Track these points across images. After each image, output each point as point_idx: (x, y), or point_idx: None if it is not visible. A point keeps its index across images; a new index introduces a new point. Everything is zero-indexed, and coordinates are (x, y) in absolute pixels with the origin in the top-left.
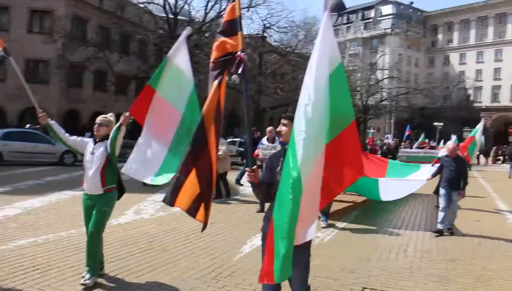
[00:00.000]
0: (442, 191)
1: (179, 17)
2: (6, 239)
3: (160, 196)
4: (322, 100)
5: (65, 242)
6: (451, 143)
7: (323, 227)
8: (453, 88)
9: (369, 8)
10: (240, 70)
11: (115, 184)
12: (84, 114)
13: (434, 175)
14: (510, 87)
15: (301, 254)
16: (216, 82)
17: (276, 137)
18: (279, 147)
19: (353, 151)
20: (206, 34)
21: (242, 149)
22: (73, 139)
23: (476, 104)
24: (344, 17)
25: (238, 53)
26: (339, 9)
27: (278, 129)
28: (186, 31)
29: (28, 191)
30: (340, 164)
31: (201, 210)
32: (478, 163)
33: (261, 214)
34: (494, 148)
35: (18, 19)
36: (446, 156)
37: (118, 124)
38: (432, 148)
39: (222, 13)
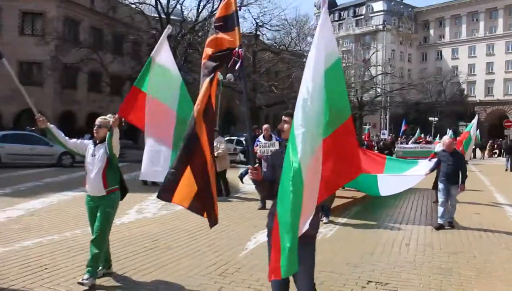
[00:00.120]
0: (440, 186)
1: (171, 17)
2: (11, 240)
3: None
4: (318, 96)
5: (71, 242)
6: (447, 138)
7: (325, 223)
8: (446, 83)
9: (360, 5)
10: (237, 66)
11: (117, 184)
12: (80, 116)
13: (432, 170)
14: (503, 81)
15: (307, 249)
16: (207, 79)
17: (273, 135)
18: (276, 144)
19: (350, 146)
20: (199, 34)
21: (242, 147)
22: (73, 142)
23: (470, 99)
24: (335, 14)
25: (236, 49)
26: (330, 6)
27: (279, 126)
28: (167, 30)
29: (28, 192)
30: (338, 159)
31: (205, 208)
32: (474, 157)
33: (262, 211)
34: (490, 141)
35: (10, 22)
36: (443, 150)
37: (108, 126)
38: (428, 142)
39: (215, 12)
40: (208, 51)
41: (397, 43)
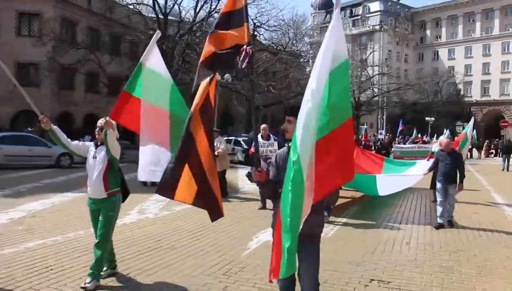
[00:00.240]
0: (438, 185)
1: (169, 17)
2: (15, 241)
3: (161, 196)
4: (320, 95)
5: (75, 243)
6: (443, 138)
7: (325, 222)
8: (443, 83)
9: (357, 5)
10: (244, 64)
11: (118, 187)
12: (77, 117)
13: (430, 169)
14: (499, 82)
15: (311, 249)
16: (208, 79)
17: (271, 135)
18: (275, 144)
19: (347, 146)
20: (197, 34)
21: (247, 147)
22: (75, 144)
23: (466, 99)
24: (332, 15)
25: (244, 46)
26: (326, 6)
27: (283, 126)
28: (156, 35)
29: (29, 194)
30: (332, 160)
31: (208, 203)
32: (471, 157)
33: (263, 210)
34: (487, 141)
35: (6, 22)
36: (441, 150)
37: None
38: (424, 142)
39: (212, 12)
40: (210, 48)
41: (394, 44)
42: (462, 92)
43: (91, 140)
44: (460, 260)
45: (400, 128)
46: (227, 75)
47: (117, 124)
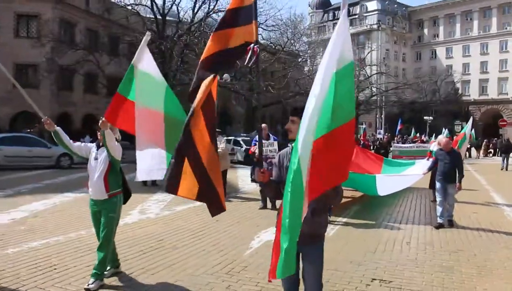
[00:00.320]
0: (438, 185)
1: (167, 18)
2: (18, 241)
3: (162, 196)
4: (323, 95)
5: (77, 242)
6: (442, 137)
7: None
8: (441, 82)
9: (354, 4)
10: (251, 63)
11: (119, 188)
12: (76, 117)
13: (429, 169)
14: (497, 81)
15: (315, 249)
16: (210, 77)
17: (270, 134)
18: (274, 144)
19: (345, 149)
20: (196, 34)
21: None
22: (77, 146)
23: (464, 98)
24: (329, 14)
25: (252, 45)
26: (324, 5)
27: (286, 126)
28: (146, 37)
29: (30, 194)
30: (329, 160)
31: (210, 198)
32: (469, 156)
33: (263, 210)
34: (485, 140)
35: (5, 24)
36: (440, 149)
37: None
38: (423, 142)
39: (210, 13)
40: (214, 47)
41: (392, 43)
42: (460, 91)
43: (91, 141)
44: (460, 260)
45: (398, 127)
46: (226, 75)
47: None
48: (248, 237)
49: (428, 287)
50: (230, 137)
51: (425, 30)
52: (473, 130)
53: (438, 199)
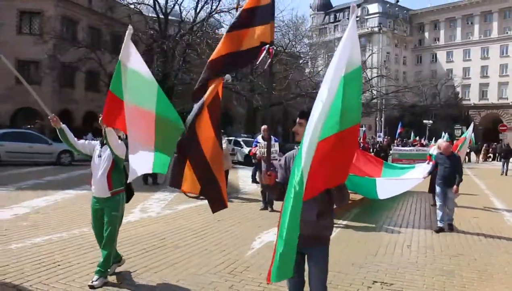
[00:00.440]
0: (437, 189)
1: (169, 17)
2: (21, 237)
3: (163, 195)
4: (331, 99)
5: (80, 239)
6: (442, 141)
7: None
8: (441, 86)
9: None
10: (266, 65)
11: (122, 186)
12: (77, 115)
13: (429, 173)
14: (498, 85)
15: (321, 251)
16: (219, 78)
17: (272, 136)
18: (276, 145)
19: (347, 153)
20: (198, 34)
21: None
22: (82, 143)
23: (464, 102)
24: (331, 16)
25: (267, 46)
26: (325, 8)
27: (294, 129)
28: (129, 32)
29: (31, 190)
30: (330, 162)
31: (212, 194)
32: (469, 161)
33: (264, 211)
34: (485, 145)
35: (8, 20)
36: (441, 153)
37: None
38: (423, 145)
39: (213, 13)
40: (226, 48)
41: (392, 46)
42: (460, 95)
43: (93, 137)
44: (460, 264)
45: (399, 130)
46: (227, 76)
47: None
48: (249, 237)
49: (429, 290)
50: (230, 138)
51: (426, 34)
52: (472, 135)
53: (438, 203)
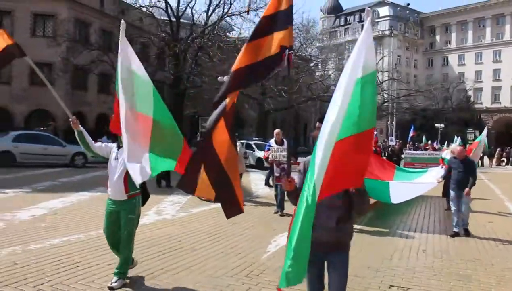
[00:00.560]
0: (452, 194)
1: (181, 20)
2: (40, 238)
3: (176, 197)
4: (347, 100)
5: (97, 241)
6: (455, 146)
7: None
8: (453, 90)
9: None
10: (286, 70)
11: (138, 189)
12: (90, 117)
13: (443, 177)
14: (510, 88)
15: (339, 258)
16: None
17: (284, 140)
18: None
19: (362, 155)
20: (209, 37)
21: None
22: (99, 146)
23: (476, 106)
24: (341, 19)
25: (287, 51)
26: (335, 11)
27: (313, 133)
28: (122, 26)
29: (47, 191)
30: (346, 163)
31: (227, 201)
32: (482, 165)
33: (277, 215)
34: (498, 149)
35: (22, 23)
36: (454, 157)
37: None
38: (435, 149)
39: (224, 16)
40: (245, 59)
41: (403, 49)
42: (472, 99)
43: (108, 141)
44: (477, 269)
45: (411, 134)
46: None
47: None
48: (265, 240)
49: None
50: (242, 141)
51: (437, 37)
52: (486, 138)
53: (452, 207)
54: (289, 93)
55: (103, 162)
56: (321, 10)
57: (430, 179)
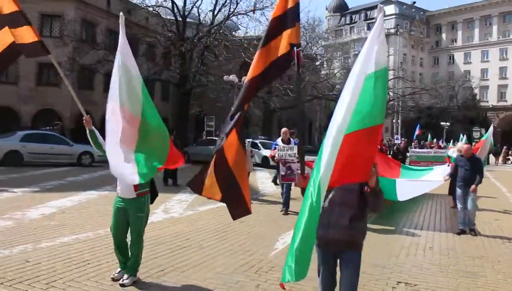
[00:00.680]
0: (458, 191)
1: (187, 19)
2: (50, 236)
3: (184, 196)
4: (356, 94)
5: (106, 239)
6: (461, 144)
7: None
8: (458, 88)
9: (371, 8)
10: (295, 67)
11: (147, 188)
12: (96, 116)
13: (450, 175)
14: None
15: (352, 257)
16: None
17: (291, 139)
18: (295, 148)
19: (369, 151)
20: (216, 36)
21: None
22: None
23: (482, 104)
24: (347, 18)
25: (295, 49)
26: (341, 9)
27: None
28: (121, 19)
29: (55, 191)
30: (354, 156)
31: (234, 202)
32: (488, 163)
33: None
34: (504, 147)
35: None
36: (461, 155)
37: None
38: (440, 148)
39: (231, 15)
40: (258, 66)
41: (409, 47)
42: (478, 97)
43: None
44: (484, 266)
45: (416, 132)
46: (243, 78)
47: None
48: (272, 238)
49: None
50: (248, 139)
51: (443, 35)
52: (492, 137)
53: (459, 206)
54: (297, 92)
55: None
56: (326, 9)
57: (437, 177)
